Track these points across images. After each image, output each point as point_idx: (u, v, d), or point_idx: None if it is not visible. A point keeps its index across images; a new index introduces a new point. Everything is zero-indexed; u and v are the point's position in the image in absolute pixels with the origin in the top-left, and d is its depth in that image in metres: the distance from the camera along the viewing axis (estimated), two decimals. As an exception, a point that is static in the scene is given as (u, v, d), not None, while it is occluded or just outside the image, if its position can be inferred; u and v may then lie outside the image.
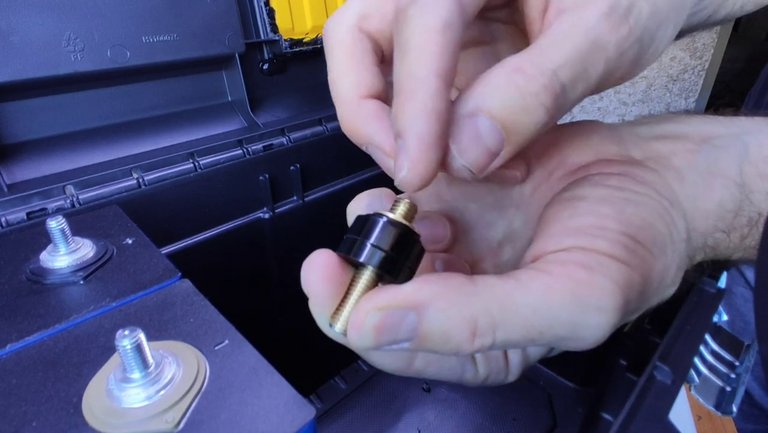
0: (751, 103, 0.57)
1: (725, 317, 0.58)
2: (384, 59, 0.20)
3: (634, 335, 0.36)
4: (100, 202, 0.43)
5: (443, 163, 0.17)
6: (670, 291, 0.19)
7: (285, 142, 0.56)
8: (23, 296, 0.30)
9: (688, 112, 0.24)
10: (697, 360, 0.47)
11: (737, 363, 0.46)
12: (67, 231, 0.32)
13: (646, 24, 0.17)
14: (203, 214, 0.52)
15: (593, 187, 0.19)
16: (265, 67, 0.61)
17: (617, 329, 0.17)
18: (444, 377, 0.21)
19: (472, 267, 0.23)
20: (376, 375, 0.71)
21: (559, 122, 0.21)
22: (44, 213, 0.41)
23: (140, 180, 0.46)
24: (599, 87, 0.18)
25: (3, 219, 0.39)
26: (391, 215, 0.17)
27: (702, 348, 0.47)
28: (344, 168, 0.64)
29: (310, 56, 0.64)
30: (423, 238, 0.18)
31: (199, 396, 0.23)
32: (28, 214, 0.40)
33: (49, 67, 0.43)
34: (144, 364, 0.22)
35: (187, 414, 0.22)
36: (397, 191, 0.21)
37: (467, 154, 0.17)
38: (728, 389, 0.45)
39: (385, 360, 0.20)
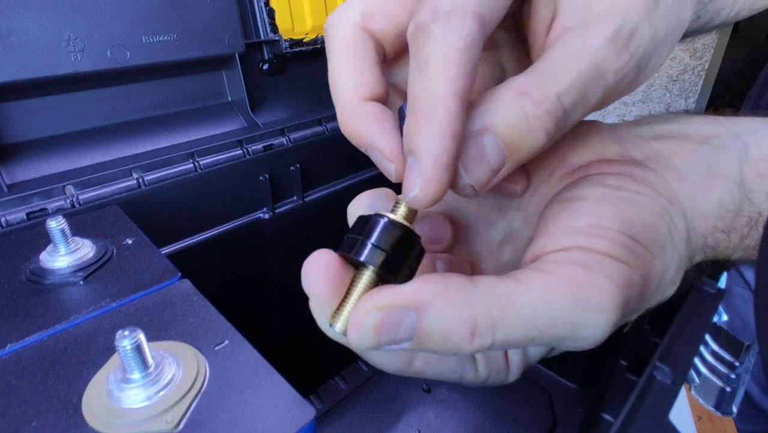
0: (750, 103, 0.57)
1: (725, 318, 0.58)
2: (385, 59, 0.20)
3: (634, 336, 0.36)
4: (100, 203, 0.43)
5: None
6: (670, 291, 0.19)
7: (285, 143, 0.56)
8: (23, 296, 0.30)
9: (688, 112, 0.24)
10: (697, 361, 0.47)
11: (737, 364, 0.46)
12: (67, 231, 0.32)
13: (645, 49, 0.18)
14: (203, 215, 0.52)
15: (593, 187, 0.19)
16: (265, 67, 0.61)
17: (617, 329, 0.17)
18: (444, 377, 0.21)
19: (472, 267, 0.23)
20: (376, 375, 0.71)
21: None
22: (44, 213, 0.41)
23: (140, 180, 0.46)
24: (596, 109, 0.18)
25: (3, 219, 0.39)
26: (392, 216, 0.17)
27: (702, 348, 0.47)
28: (344, 168, 0.64)
29: (310, 56, 0.64)
30: (424, 238, 0.18)
31: (199, 396, 0.23)
32: (28, 214, 0.40)
33: (49, 67, 0.43)
34: (144, 364, 0.22)
35: (187, 414, 0.22)
36: (398, 191, 0.21)
37: (472, 172, 0.17)
38: (728, 389, 0.45)
39: (385, 360, 0.20)
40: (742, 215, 0.20)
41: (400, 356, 0.20)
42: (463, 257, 0.23)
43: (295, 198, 0.60)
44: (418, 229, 0.18)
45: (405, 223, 0.17)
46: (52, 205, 0.41)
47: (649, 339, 0.34)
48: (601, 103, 0.18)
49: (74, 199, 0.42)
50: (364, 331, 0.15)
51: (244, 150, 0.53)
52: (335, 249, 0.18)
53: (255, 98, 0.60)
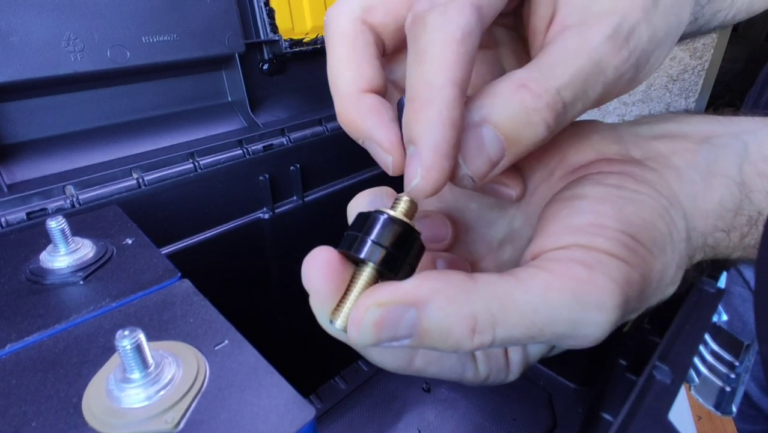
0: (749, 103, 0.57)
1: (725, 317, 0.58)
2: (384, 52, 0.20)
3: (633, 335, 0.36)
4: (100, 203, 0.43)
5: None
6: (670, 290, 0.19)
7: (285, 142, 0.56)
8: (23, 296, 0.30)
9: (687, 111, 0.24)
10: (696, 360, 0.47)
11: (737, 363, 0.46)
12: (67, 231, 0.32)
13: (644, 48, 0.18)
14: (203, 215, 0.52)
15: (593, 186, 0.19)
16: (265, 67, 0.61)
17: (616, 328, 0.17)
18: (445, 376, 0.21)
19: (472, 266, 0.23)
20: (376, 375, 0.71)
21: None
22: (44, 213, 0.41)
23: (140, 180, 0.46)
24: (595, 105, 0.19)
25: (3, 219, 0.39)
26: (392, 213, 0.17)
27: (702, 348, 0.47)
28: (344, 168, 0.64)
29: (310, 56, 0.64)
30: (424, 237, 0.18)
31: (199, 396, 0.23)
32: (28, 214, 0.40)
33: (49, 67, 0.43)
34: (144, 364, 0.22)
35: (187, 414, 0.22)
36: (398, 190, 0.21)
37: (471, 162, 0.17)
38: (728, 389, 0.45)
39: (385, 358, 0.20)
40: (742, 214, 0.20)
41: (401, 354, 0.20)
42: (464, 256, 0.23)
43: (295, 198, 0.60)
44: (418, 227, 0.18)
45: (405, 219, 0.17)
46: (52, 205, 0.41)
47: (649, 339, 0.34)
48: (601, 100, 0.18)
49: (74, 199, 0.42)
50: (364, 327, 0.15)
51: (244, 150, 0.53)
52: (335, 247, 0.18)
53: (255, 98, 0.60)
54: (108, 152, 0.50)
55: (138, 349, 0.22)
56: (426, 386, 0.69)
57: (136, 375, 0.22)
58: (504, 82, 0.17)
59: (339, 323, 0.17)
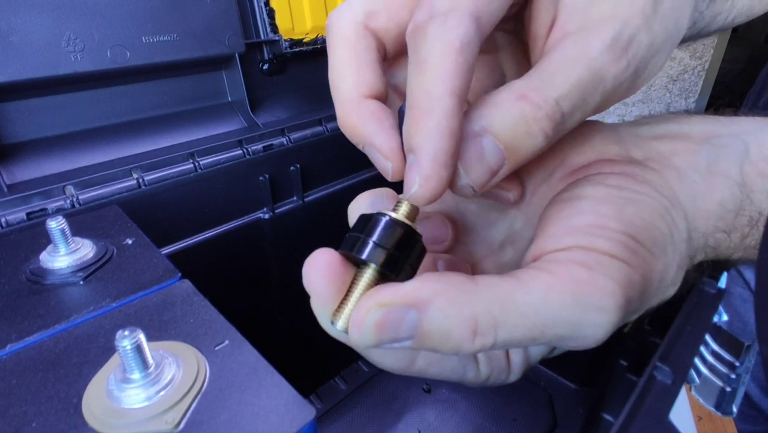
0: (749, 104, 0.57)
1: (725, 318, 0.58)
2: (386, 57, 0.20)
3: (634, 336, 0.36)
4: (100, 203, 0.43)
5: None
6: (671, 291, 0.19)
7: (285, 143, 0.56)
8: (23, 297, 0.30)
9: (688, 112, 0.24)
10: (697, 361, 0.47)
11: (737, 364, 0.46)
12: (67, 231, 0.32)
13: (643, 55, 0.18)
14: (203, 215, 0.52)
15: (593, 187, 0.19)
16: (265, 67, 0.61)
17: (617, 329, 0.17)
18: (446, 377, 0.21)
19: (473, 268, 0.23)
20: (376, 375, 0.71)
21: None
22: (44, 213, 0.41)
23: (140, 180, 0.46)
24: (594, 113, 0.19)
25: (3, 219, 0.39)
26: (393, 214, 0.17)
27: (702, 348, 0.47)
28: (344, 168, 0.64)
29: (310, 56, 0.64)
30: (425, 238, 0.18)
31: (199, 396, 0.23)
32: (28, 214, 0.40)
33: (49, 67, 0.43)
34: (144, 364, 0.22)
35: (187, 415, 0.22)
36: (399, 191, 0.21)
37: (471, 172, 0.17)
38: (728, 389, 0.45)
39: (387, 360, 0.20)
40: (743, 215, 0.20)
41: (402, 356, 0.20)
42: (464, 258, 0.23)
43: (295, 198, 0.60)
44: (419, 228, 0.18)
45: (406, 221, 0.17)
46: (52, 206, 0.41)
47: (650, 339, 0.34)
48: (600, 108, 0.19)
49: (74, 200, 0.42)
50: (366, 329, 0.15)
51: (244, 150, 0.53)
52: (336, 248, 0.18)
53: (255, 98, 0.60)
54: (108, 152, 0.50)
55: (138, 349, 0.22)
56: (426, 386, 0.69)
57: (136, 375, 0.22)
58: (504, 93, 0.17)
59: (340, 324, 0.17)
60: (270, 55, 0.61)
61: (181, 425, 0.22)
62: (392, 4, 0.19)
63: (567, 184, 0.20)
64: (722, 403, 0.45)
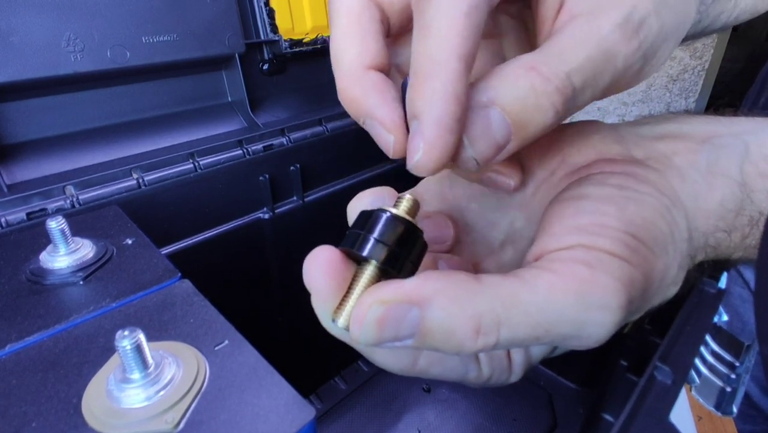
0: (748, 104, 0.57)
1: (725, 318, 0.58)
2: (390, 33, 0.20)
3: (634, 336, 0.36)
4: (100, 203, 0.43)
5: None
6: (672, 290, 0.19)
7: (285, 143, 0.56)
8: (23, 297, 0.30)
9: (688, 112, 0.24)
10: (697, 361, 0.46)
11: (737, 363, 0.45)
12: (67, 231, 0.32)
13: (653, 40, 0.18)
14: (203, 215, 0.52)
15: (595, 186, 0.19)
16: (265, 67, 0.61)
17: (617, 329, 0.17)
18: (447, 377, 0.21)
19: (474, 268, 0.23)
20: (376, 375, 0.71)
21: (559, 122, 0.21)
22: (44, 213, 0.41)
23: (140, 180, 0.46)
24: (603, 95, 0.18)
25: (3, 219, 0.39)
26: (395, 211, 0.17)
27: (702, 349, 0.47)
28: (344, 168, 0.64)
29: (310, 56, 0.64)
30: (425, 238, 0.18)
31: (198, 396, 0.23)
32: (28, 214, 0.40)
33: (49, 68, 0.43)
34: (144, 364, 0.22)
35: (187, 415, 0.22)
36: (399, 190, 0.21)
37: (477, 144, 0.17)
38: (728, 389, 0.45)
39: (388, 359, 0.20)
40: (744, 215, 0.20)
41: (404, 355, 0.20)
42: (465, 258, 0.23)
43: (295, 198, 0.60)
44: (420, 226, 0.18)
45: (408, 218, 0.17)
46: (52, 206, 0.41)
47: (650, 339, 0.34)
48: (608, 90, 0.18)
49: (74, 200, 0.42)
50: (367, 325, 0.15)
51: (244, 150, 0.53)
52: (336, 246, 0.17)
53: (255, 98, 0.60)
54: (108, 152, 0.50)
55: (138, 349, 0.22)
56: (426, 386, 0.69)
57: (136, 375, 0.22)
58: (513, 65, 0.17)
59: (341, 321, 0.17)
60: (270, 55, 0.61)
61: (181, 425, 0.22)
62: None
63: (568, 183, 0.20)
64: (722, 403, 0.45)
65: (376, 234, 0.17)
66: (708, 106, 1.89)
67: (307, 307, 0.18)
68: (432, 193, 0.24)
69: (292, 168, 0.57)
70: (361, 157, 0.65)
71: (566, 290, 0.15)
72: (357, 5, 0.19)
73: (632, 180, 0.19)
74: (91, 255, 0.33)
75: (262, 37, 0.59)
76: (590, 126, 0.22)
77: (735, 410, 0.45)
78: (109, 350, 0.26)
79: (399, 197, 0.18)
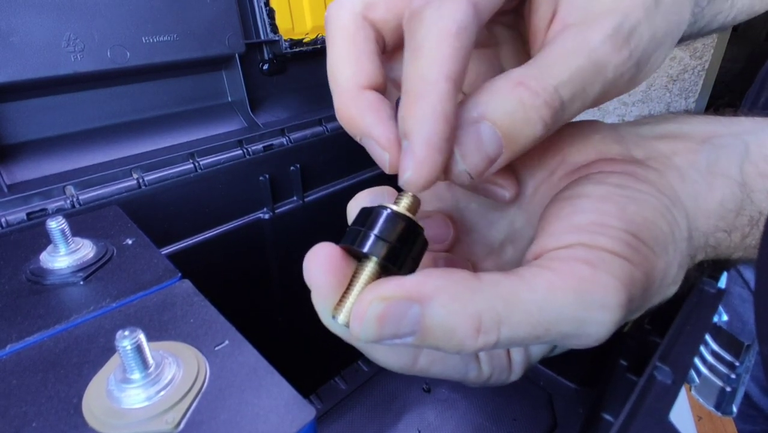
0: (747, 104, 0.57)
1: (725, 317, 0.58)
2: (385, 50, 0.20)
3: (634, 335, 0.36)
4: (100, 203, 0.43)
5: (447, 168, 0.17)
6: (672, 290, 0.19)
7: (285, 143, 0.56)
8: (23, 297, 0.30)
9: (688, 112, 0.24)
10: (697, 360, 0.47)
11: (737, 363, 0.46)
12: (67, 231, 0.32)
13: (645, 48, 0.18)
14: (203, 215, 0.52)
15: (595, 186, 0.19)
16: (265, 67, 0.61)
17: (617, 328, 0.17)
18: (448, 376, 0.21)
19: (473, 267, 0.23)
20: (377, 375, 0.71)
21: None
22: (44, 213, 0.41)
23: (140, 180, 0.46)
24: (595, 104, 0.19)
25: (3, 219, 0.39)
26: (395, 207, 0.17)
27: (702, 348, 0.47)
28: (344, 168, 0.64)
29: (310, 56, 0.64)
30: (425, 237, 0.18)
31: (199, 397, 0.23)
32: (28, 214, 0.40)
33: (49, 68, 0.43)
34: (144, 364, 0.22)
35: (187, 415, 0.22)
36: (399, 190, 0.21)
37: (469, 159, 0.17)
38: (728, 389, 0.45)
39: (389, 358, 0.20)
40: (744, 214, 0.20)
41: (404, 354, 0.20)
42: (464, 257, 0.23)
43: (295, 198, 0.60)
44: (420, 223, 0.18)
45: (408, 214, 0.17)
46: (52, 206, 0.41)
47: (650, 339, 0.34)
48: (600, 99, 0.18)
49: (74, 200, 0.42)
50: (367, 322, 0.15)
51: (244, 150, 0.53)
52: (337, 243, 0.17)
53: (255, 98, 0.60)
54: (108, 152, 0.50)
55: (138, 349, 0.22)
56: (426, 386, 0.69)
57: (136, 375, 0.22)
58: (502, 80, 0.17)
59: (341, 317, 0.17)
60: (270, 55, 0.61)
61: (181, 425, 0.22)
62: None
63: (568, 183, 0.20)
64: (722, 403, 0.45)
65: (376, 230, 0.17)
66: (708, 106, 1.89)
67: (307, 307, 0.18)
68: (431, 193, 0.24)
69: (292, 168, 0.58)
70: (361, 157, 0.64)
71: (566, 288, 0.15)
72: (352, 25, 0.19)
73: (632, 180, 0.19)
74: (91, 255, 0.33)
75: (262, 37, 0.59)
76: (590, 126, 0.22)
77: (735, 410, 0.45)
78: (110, 350, 0.26)
79: (400, 194, 0.18)
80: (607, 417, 0.36)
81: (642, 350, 0.34)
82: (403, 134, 0.17)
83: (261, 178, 0.55)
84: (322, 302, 0.17)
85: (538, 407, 0.66)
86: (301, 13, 0.62)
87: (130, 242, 0.36)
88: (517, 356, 0.22)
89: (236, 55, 0.55)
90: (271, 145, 0.55)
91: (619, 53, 0.17)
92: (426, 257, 0.20)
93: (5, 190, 0.42)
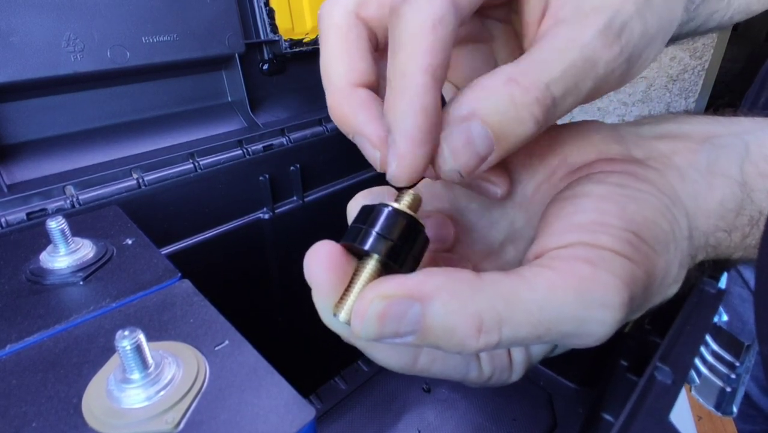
0: (747, 104, 0.57)
1: (725, 318, 0.58)
2: (378, 47, 0.20)
3: (634, 336, 0.36)
4: (100, 203, 0.43)
5: (434, 165, 0.17)
6: (672, 289, 0.19)
7: (285, 143, 0.56)
8: (23, 297, 0.30)
9: (688, 112, 0.24)
10: (697, 361, 0.47)
11: (737, 363, 0.46)
12: (67, 231, 0.32)
13: (636, 43, 0.18)
14: (203, 215, 0.52)
15: (595, 185, 0.19)
16: (265, 67, 0.61)
17: (618, 329, 0.17)
18: (448, 376, 0.21)
19: (474, 267, 0.23)
20: (377, 375, 0.71)
21: (559, 122, 0.21)
22: (44, 213, 0.41)
23: (140, 180, 0.46)
24: (586, 100, 0.18)
25: (3, 219, 0.39)
26: (396, 205, 0.17)
27: (702, 348, 0.47)
28: (344, 168, 0.64)
29: (310, 56, 0.64)
30: None
31: (199, 397, 0.23)
32: (28, 214, 0.40)
33: (49, 68, 0.43)
34: (144, 364, 0.22)
35: (187, 415, 0.22)
36: (399, 190, 0.21)
37: (459, 157, 0.17)
38: (728, 389, 0.45)
39: (390, 357, 0.20)
40: (744, 214, 0.20)
41: (405, 353, 0.19)
42: (465, 257, 0.23)
43: (295, 198, 0.60)
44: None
45: (409, 212, 0.17)
46: (52, 206, 0.41)
47: (650, 339, 0.34)
48: (591, 95, 0.18)
49: (74, 200, 0.42)
50: (368, 320, 0.15)
51: (244, 150, 0.53)
52: (337, 241, 0.17)
53: (255, 98, 0.60)
54: (108, 152, 0.50)
55: (138, 349, 0.22)
56: (426, 386, 0.69)
57: (136, 375, 0.22)
58: (493, 77, 0.17)
59: (342, 315, 0.17)
60: (270, 55, 0.61)
61: (181, 425, 0.22)
62: None
63: (568, 182, 0.20)
64: (722, 403, 0.45)
65: (377, 228, 0.17)
66: (708, 106, 1.89)
67: (307, 307, 0.18)
68: (432, 193, 0.24)
69: (292, 168, 0.58)
70: (361, 157, 0.64)
71: (567, 287, 0.15)
72: (344, 24, 0.19)
73: (632, 179, 0.19)
74: (91, 255, 0.33)
75: (262, 37, 0.59)
76: (590, 126, 0.22)
77: (735, 410, 0.45)
78: (109, 350, 0.26)
79: (400, 193, 0.18)
80: (607, 417, 0.36)
81: (642, 350, 0.34)
82: (387, 129, 0.17)
83: (261, 178, 0.55)
84: (322, 300, 0.17)
85: (538, 407, 0.66)
86: (301, 13, 0.62)
87: (129, 242, 0.36)
88: (518, 356, 0.22)
89: (236, 55, 0.55)
90: (271, 145, 0.55)
91: (610, 49, 0.17)
92: (426, 257, 0.20)
93: (5, 190, 0.42)
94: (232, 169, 0.52)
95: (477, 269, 0.23)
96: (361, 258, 0.17)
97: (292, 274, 0.62)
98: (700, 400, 0.46)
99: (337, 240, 0.18)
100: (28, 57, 0.42)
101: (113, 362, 0.25)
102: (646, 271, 0.17)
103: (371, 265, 0.17)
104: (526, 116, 0.17)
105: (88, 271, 0.32)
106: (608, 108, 2.05)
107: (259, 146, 0.54)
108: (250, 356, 0.25)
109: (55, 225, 0.32)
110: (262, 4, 0.58)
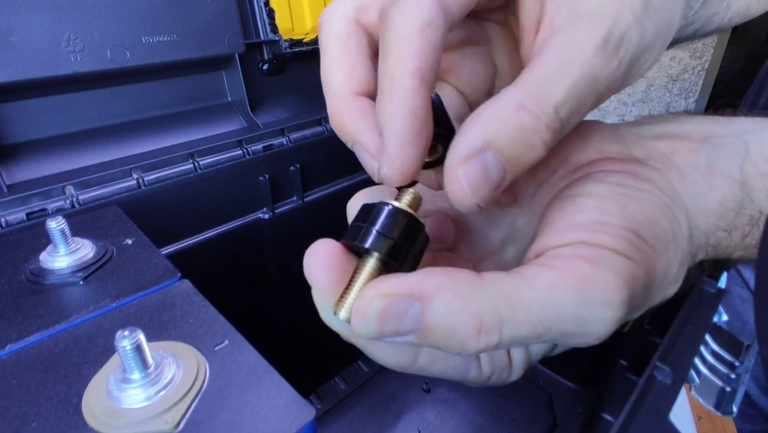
0: (746, 105, 0.57)
1: (725, 317, 0.58)
2: (378, 53, 0.20)
3: (634, 335, 0.36)
4: (100, 203, 0.43)
5: (452, 199, 0.17)
6: (673, 288, 0.19)
7: (285, 143, 0.56)
8: (23, 297, 0.30)
9: (688, 112, 0.24)
10: (697, 360, 0.47)
11: (737, 363, 0.46)
12: (67, 231, 0.32)
13: (634, 52, 0.18)
14: (203, 215, 0.52)
15: (595, 184, 0.19)
16: (265, 67, 0.61)
17: (617, 329, 0.17)
18: (448, 375, 0.21)
19: (474, 267, 0.23)
20: (376, 375, 0.71)
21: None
22: (44, 213, 0.41)
23: (140, 180, 0.46)
24: (586, 115, 0.19)
25: (3, 219, 0.39)
26: (397, 204, 0.17)
27: (702, 348, 0.47)
28: (344, 168, 0.64)
29: (310, 56, 0.64)
30: None
31: (198, 397, 0.23)
32: (27, 214, 0.40)
33: (49, 68, 0.43)
34: (144, 364, 0.22)
35: (187, 415, 0.22)
36: (399, 189, 0.21)
37: (479, 191, 0.17)
38: (728, 389, 0.45)
39: (389, 356, 0.20)
40: (744, 214, 0.20)
41: (405, 352, 0.19)
42: (465, 257, 0.23)
43: (295, 198, 0.60)
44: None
45: (410, 210, 0.17)
46: (52, 206, 0.41)
47: (650, 339, 0.34)
48: (591, 109, 0.18)
49: (74, 200, 0.42)
50: (368, 318, 0.15)
51: (244, 150, 0.53)
52: (338, 240, 0.17)
53: (255, 98, 0.60)
54: (108, 152, 0.50)
55: (138, 349, 0.22)
56: (426, 386, 0.69)
57: (136, 375, 0.22)
58: (501, 104, 0.17)
59: (343, 313, 0.17)
60: (270, 55, 0.61)
61: (181, 425, 0.22)
62: None
63: (569, 182, 0.20)
64: (722, 403, 0.45)
65: (378, 226, 0.17)
66: (708, 106, 1.89)
67: (307, 307, 0.18)
68: (432, 193, 0.24)
69: (291, 168, 0.58)
70: (361, 157, 0.64)
71: (567, 286, 0.15)
72: (344, 31, 0.19)
73: (633, 178, 0.19)
74: (91, 255, 0.33)
75: (262, 37, 0.59)
76: (591, 126, 0.22)
77: (735, 409, 0.45)
78: (109, 350, 0.26)
79: (401, 192, 0.18)
80: (607, 417, 0.36)
81: (642, 350, 0.34)
82: (378, 131, 0.17)
83: (261, 178, 0.55)
84: (322, 299, 0.17)
85: (538, 407, 0.66)
86: (301, 13, 0.62)
87: (129, 242, 0.36)
88: (518, 355, 0.22)
89: (236, 55, 0.55)
90: (271, 145, 0.55)
91: (609, 63, 0.17)
92: (426, 257, 0.20)
93: (5, 190, 0.42)
94: (232, 169, 0.52)
95: (477, 268, 0.23)
96: (361, 257, 0.17)
97: (292, 274, 0.62)
98: (700, 400, 0.46)
99: (337, 240, 0.18)
100: (28, 57, 0.42)
101: (113, 362, 0.25)
102: (647, 270, 0.17)
103: (371, 263, 0.17)
104: (538, 142, 0.17)
105: (88, 271, 0.32)
106: (608, 108, 2.05)
107: (259, 146, 0.54)
108: (250, 355, 0.26)
109: (55, 225, 0.32)
110: (262, 4, 0.58)
